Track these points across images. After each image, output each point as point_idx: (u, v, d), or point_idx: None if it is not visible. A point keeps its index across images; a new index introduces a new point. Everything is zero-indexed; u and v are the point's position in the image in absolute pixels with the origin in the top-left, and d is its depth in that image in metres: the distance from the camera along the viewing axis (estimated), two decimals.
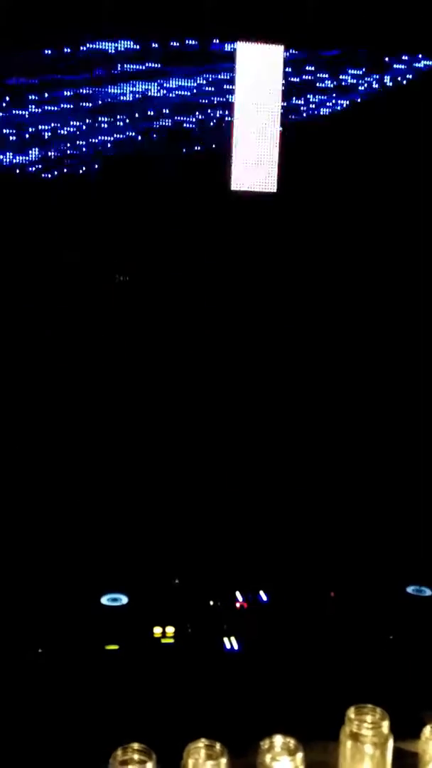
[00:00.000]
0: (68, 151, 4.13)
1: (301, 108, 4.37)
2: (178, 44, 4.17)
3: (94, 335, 4.17)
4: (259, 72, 4.22)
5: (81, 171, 4.15)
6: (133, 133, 4.20)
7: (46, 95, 4.08)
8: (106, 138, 4.19)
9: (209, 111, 4.27)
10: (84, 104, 4.12)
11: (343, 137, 4.39)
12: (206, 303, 4.28)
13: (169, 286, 4.26)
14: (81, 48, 4.06)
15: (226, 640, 3.51)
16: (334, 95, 4.39)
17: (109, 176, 4.19)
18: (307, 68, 4.34)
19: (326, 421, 4.39)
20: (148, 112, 4.19)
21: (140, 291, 4.26)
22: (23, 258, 4.09)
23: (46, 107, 4.09)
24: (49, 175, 4.12)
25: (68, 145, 4.13)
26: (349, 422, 4.40)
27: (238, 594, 3.81)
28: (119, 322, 4.22)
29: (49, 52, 4.01)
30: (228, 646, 3.48)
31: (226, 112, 4.26)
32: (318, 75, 4.36)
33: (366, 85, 4.41)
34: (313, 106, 4.38)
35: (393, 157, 4.39)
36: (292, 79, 4.31)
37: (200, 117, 4.27)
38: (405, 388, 4.40)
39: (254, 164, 4.30)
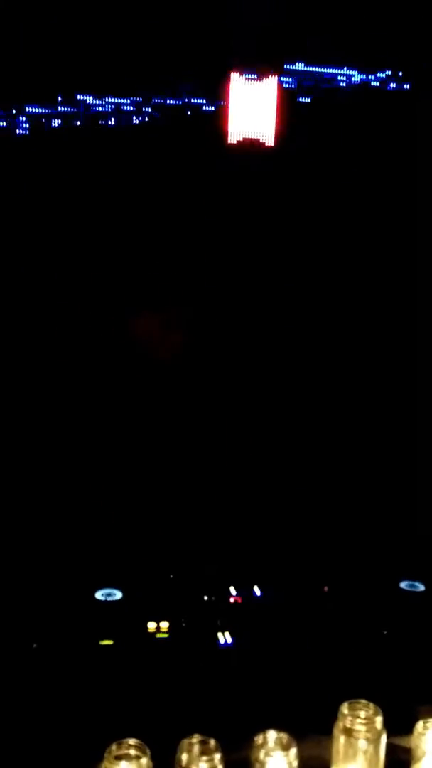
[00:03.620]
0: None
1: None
2: None
3: (90, 328, 4.16)
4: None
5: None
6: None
7: None
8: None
9: None
10: None
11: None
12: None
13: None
14: None
15: (220, 635, 3.51)
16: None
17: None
18: None
19: (322, 419, 4.39)
20: None
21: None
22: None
23: None
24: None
25: None
26: (345, 420, 4.40)
27: (232, 589, 3.82)
28: (115, 308, 4.20)
29: None
30: (222, 641, 3.49)
31: None
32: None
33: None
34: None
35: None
36: None
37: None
38: (401, 383, 4.40)
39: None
